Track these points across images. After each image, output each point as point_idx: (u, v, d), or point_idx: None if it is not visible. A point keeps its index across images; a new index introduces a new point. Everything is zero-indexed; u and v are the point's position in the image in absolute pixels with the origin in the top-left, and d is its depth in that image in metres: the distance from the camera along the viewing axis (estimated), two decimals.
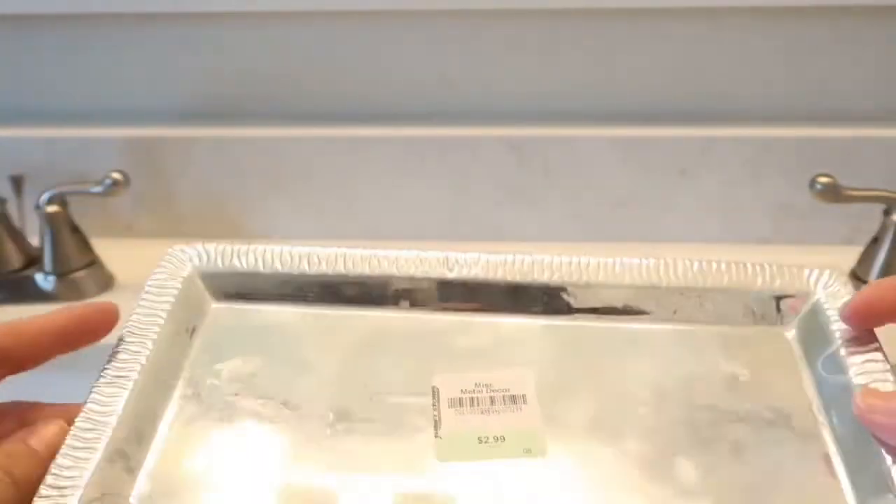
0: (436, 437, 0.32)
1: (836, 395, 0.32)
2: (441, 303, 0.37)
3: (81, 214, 0.70)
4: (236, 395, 0.34)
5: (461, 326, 0.36)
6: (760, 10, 0.67)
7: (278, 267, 0.38)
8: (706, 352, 0.35)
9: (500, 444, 0.31)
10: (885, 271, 0.63)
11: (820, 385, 0.34)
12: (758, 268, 0.37)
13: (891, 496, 0.28)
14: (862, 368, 0.32)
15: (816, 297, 0.36)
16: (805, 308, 0.36)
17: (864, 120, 0.70)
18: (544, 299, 0.37)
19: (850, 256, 0.66)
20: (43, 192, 0.67)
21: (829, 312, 0.35)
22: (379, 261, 0.38)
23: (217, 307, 0.38)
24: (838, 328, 0.34)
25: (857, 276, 0.65)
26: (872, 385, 0.31)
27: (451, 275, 0.37)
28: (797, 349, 0.35)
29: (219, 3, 0.69)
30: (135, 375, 0.33)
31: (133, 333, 0.35)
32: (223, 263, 0.38)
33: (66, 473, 0.29)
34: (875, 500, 0.29)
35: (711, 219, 0.74)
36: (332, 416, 0.33)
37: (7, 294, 0.69)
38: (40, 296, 0.69)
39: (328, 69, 0.73)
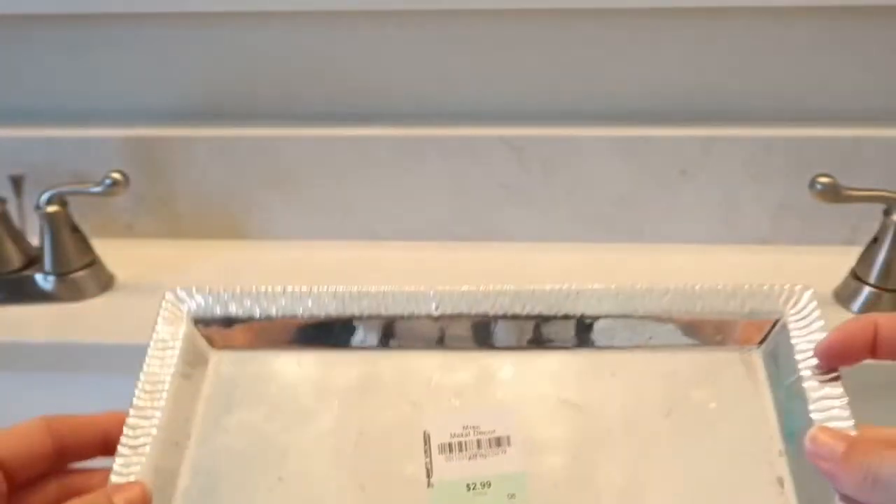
0: (428, 486, 0.34)
1: (795, 423, 0.33)
2: (428, 341, 0.39)
3: (81, 214, 0.70)
4: (245, 447, 0.36)
5: (448, 364, 0.38)
6: (760, 9, 0.67)
7: (272, 312, 0.39)
8: (679, 376, 0.36)
9: (487, 491, 0.34)
10: (885, 271, 0.63)
11: (781, 410, 0.34)
12: (730, 291, 0.37)
13: None
14: (821, 397, 0.33)
15: (785, 319, 0.36)
16: (774, 331, 0.37)
17: (864, 120, 0.70)
18: (525, 332, 0.38)
19: (850, 256, 0.66)
20: (43, 192, 0.67)
21: (793, 339, 0.36)
22: (369, 301, 0.39)
23: (218, 355, 0.40)
24: (802, 356, 0.35)
25: (858, 276, 0.65)
26: (828, 420, 0.32)
27: (437, 313, 0.38)
28: (763, 373, 0.36)
29: (219, 3, 0.69)
30: (149, 444, 0.35)
31: (142, 399, 0.36)
32: (220, 310, 0.40)
33: None
34: None
35: (711, 219, 0.74)
36: (334, 471, 0.35)
37: (7, 294, 0.69)
38: (40, 296, 0.69)
39: (328, 69, 0.73)
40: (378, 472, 0.35)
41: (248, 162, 0.74)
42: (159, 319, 0.39)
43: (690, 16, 0.68)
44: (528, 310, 0.38)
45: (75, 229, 0.69)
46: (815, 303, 0.37)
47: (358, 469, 0.35)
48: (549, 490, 0.33)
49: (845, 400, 0.33)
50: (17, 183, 0.71)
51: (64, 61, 0.74)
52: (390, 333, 0.39)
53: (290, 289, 0.40)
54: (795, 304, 0.37)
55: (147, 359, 0.38)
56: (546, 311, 0.38)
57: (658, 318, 0.37)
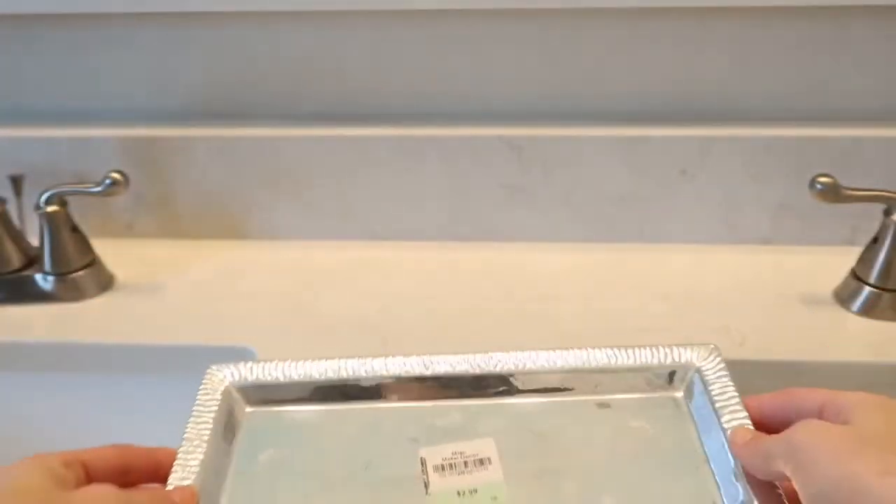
0: (426, 494, 0.43)
1: (711, 439, 0.45)
2: (421, 393, 0.49)
3: (81, 214, 0.70)
4: (276, 476, 0.45)
5: (437, 410, 0.48)
6: (760, 10, 0.67)
7: (294, 377, 0.49)
8: (620, 414, 0.48)
9: (474, 495, 0.43)
10: (885, 271, 0.63)
11: (701, 432, 0.46)
12: (655, 350, 0.49)
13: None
14: (730, 420, 0.44)
15: (697, 367, 0.48)
16: (689, 377, 0.48)
17: (864, 120, 0.70)
18: (499, 385, 0.49)
19: (850, 256, 0.66)
20: (43, 192, 0.67)
21: (707, 379, 0.47)
22: (372, 366, 0.49)
23: (250, 411, 0.49)
24: (712, 396, 0.46)
25: (858, 276, 0.65)
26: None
27: (427, 372, 0.49)
28: (685, 406, 0.48)
29: (219, 3, 0.69)
30: (195, 474, 0.43)
31: (190, 441, 0.45)
32: (251, 377, 0.50)
33: None
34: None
35: (711, 219, 0.74)
36: (350, 485, 0.44)
37: (7, 294, 0.69)
38: (40, 296, 0.69)
39: (328, 69, 0.73)
40: (384, 487, 0.43)
41: (247, 162, 0.74)
42: (202, 386, 0.49)
43: (690, 16, 0.68)
44: (499, 369, 0.49)
45: (75, 229, 0.69)
46: (719, 357, 0.49)
47: (367, 486, 0.44)
48: (524, 494, 0.43)
49: (748, 420, 0.44)
50: (16, 183, 0.71)
51: (64, 61, 0.74)
52: (391, 390, 0.49)
53: (310, 364, 0.50)
54: (707, 356, 0.49)
55: (193, 409, 0.47)
56: (513, 370, 0.49)
57: (602, 371, 0.49)
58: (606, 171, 0.72)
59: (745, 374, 0.60)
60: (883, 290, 0.64)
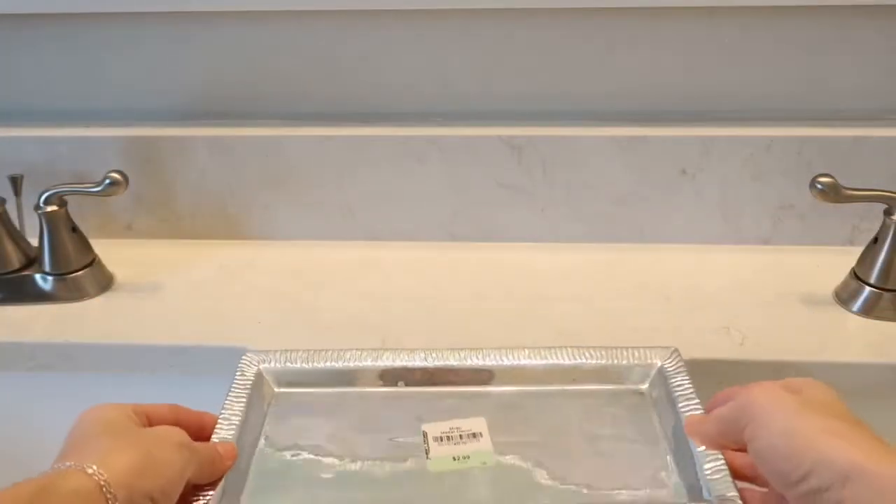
0: (427, 458, 0.51)
1: (670, 423, 0.52)
2: (426, 381, 0.57)
3: (81, 214, 0.70)
4: (299, 445, 0.52)
5: (439, 394, 0.56)
6: (760, 9, 0.67)
7: (318, 365, 0.57)
8: (594, 402, 0.55)
9: (467, 461, 0.51)
10: (885, 271, 0.63)
11: (661, 417, 0.53)
12: (625, 351, 0.57)
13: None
14: (685, 406, 0.52)
15: (659, 365, 0.56)
16: (652, 373, 0.56)
17: (864, 120, 0.70)
18: (490, 376, 0.57)
19: (850, 256, 0.66)
20: (42, 192, 0.67)
21: (667, 375, 0.55)
22: (384, 357, 0.57)
23: (278, 391, 0.57)
24: (671, 389, 0.53)
25: (858, 276, 0.65)
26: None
27: (431, 365, 0.57)
28: (649, 397, 0.55)
29: (219, 3, 0.69)
30: (231, 435, 0.51)
31: (226, 417, 0.52)
32: (281, 364, 0.57)
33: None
34: (687, 473, 0.49)
35: (711, 219, 0.74)
36: (367, 452, 0.52)
37: (6, 294, 0.69)
38: (39, 296, 0.69)
39: (328, 69, 0.73)
40: (391, 453, 0.51)
41: (247, 162, 0.74)
42: (238, 371, 0.56)
43: (690, 16, 0.68)
44: (490, 363, 0.57)
45: (74, 229, 0.69)
46: (679, 357, 0.56)
47: (378, 452, 0.51)
48: (509, 461, 0.50)
49: (701, 409, 0.51)
50: (16, 183, 0.71)
51: (64, 61, 0.74)
52: (399, 377, 0.57)
53: (331, 352, 0.58)
54: (668, 357, 0.56)
55: (231, 386, 0.55)
56: (501, 366, 0.57)
57: (578, 367, 0.57)
58: (606, 171, 0.72)
59: (745, 374, 0.60)
60: (883, 290, 0.64)
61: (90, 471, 0.40)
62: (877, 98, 0.70)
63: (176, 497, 0.43)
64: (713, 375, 0.60)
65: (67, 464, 0.40)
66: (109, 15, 0.71)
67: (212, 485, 0.47)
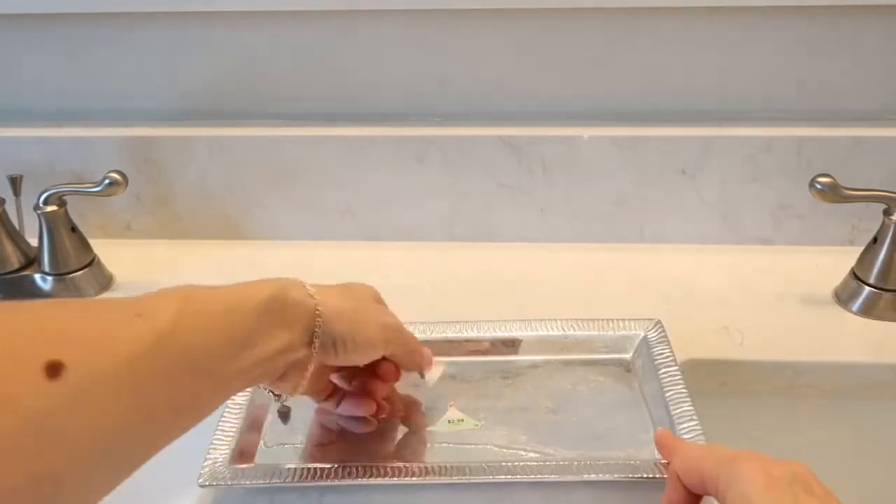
0: (423, 379, 0.56)
1: (651, 388, 0.57)
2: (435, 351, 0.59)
3: (80, 214, 0.70)
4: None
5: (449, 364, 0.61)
6: (760, 9, 0.67)
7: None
8: (582, 369, 0.60)
9: (460, 423, 0.56)
10: (885, 271, 0.63)
11: (642, 383, 0.58)
12: (611, 322, 0.62)
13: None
14: (665, 373, 0.57)
15: (643, 335, 0.61)
16: (637, 342, 0.61)
17: (864, 120, 0.70)
18: (487, 347, 0.62)
19: (849, 256, 0.66)
20: (42, 192, 0.67)
21: (651, 344, 0.60)
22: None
23: None
24: (654, 358, 0.58)
25: (858, 276, 0.65)
26: (673, 389, 0.56)
27: (430, 338, 0.61)
28: (634, 364, 0.60)
29: (219, 3, 0.69)
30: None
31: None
32: None
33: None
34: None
35: (711, 219, 0.74)
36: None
37: (6, 294, 0.69)
38: (39, 296, 0.69)
39: (328, 69, 0.73)
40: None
41: (247, 162, 0.74)
42: None
43: (690, 16, 0.68)
44: (492, 334, 0.62)
45: (74, 229, 0.69)
46: (662, 328, 0.61)
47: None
48: (502, 423, 0.55)
49: (679, 375, 0.56)
50: (15, 183, 0.71)
51: (63, 61, 0.74)
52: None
53: None
54: (652, 328, 0.61)
55: None
56: (502, 337, 0.62)
57: (567, 338, 0.62)
58: (606, 171, 0.72)
59: (745, 373, 0.60)
60: (883, 290, 0.64)
61: (311, 290, 0.49)
62: (876, 98, 0.70)
63: (358, 360, 0.50)
64: (713, 375, 0.60)
65: (289, 277, 0.49)
66: (109, 15, 0.71)
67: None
